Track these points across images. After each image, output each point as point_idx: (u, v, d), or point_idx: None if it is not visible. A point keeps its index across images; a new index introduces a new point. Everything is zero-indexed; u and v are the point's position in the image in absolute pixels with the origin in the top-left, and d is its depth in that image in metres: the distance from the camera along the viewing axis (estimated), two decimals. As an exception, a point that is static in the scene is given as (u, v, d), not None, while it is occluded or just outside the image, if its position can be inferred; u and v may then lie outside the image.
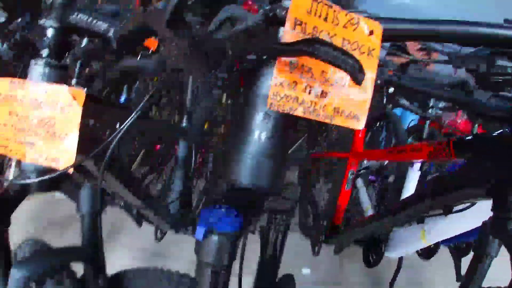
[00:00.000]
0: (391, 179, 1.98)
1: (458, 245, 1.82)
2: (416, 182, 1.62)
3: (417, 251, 1.79)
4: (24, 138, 0.55)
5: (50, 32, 0.55)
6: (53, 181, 0.61)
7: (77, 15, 0.56)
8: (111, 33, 0.55)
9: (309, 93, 0.38)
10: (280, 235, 0.65)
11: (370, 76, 0.39)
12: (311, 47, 0.30)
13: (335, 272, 2.13)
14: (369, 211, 1.85)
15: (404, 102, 1.26)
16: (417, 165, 1.41)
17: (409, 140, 1.84)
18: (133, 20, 0.56)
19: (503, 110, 0.57)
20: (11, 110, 0.55)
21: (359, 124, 0.40)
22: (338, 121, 0.39)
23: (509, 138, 0.57)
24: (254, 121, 0.41)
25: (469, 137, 0.70)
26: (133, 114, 0.56)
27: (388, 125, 1.93)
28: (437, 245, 1.69)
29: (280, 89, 0.37)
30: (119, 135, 0.56)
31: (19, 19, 0.64)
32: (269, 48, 0.35)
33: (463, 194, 0.69)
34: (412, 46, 1.62)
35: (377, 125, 2.06)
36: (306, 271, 2.06)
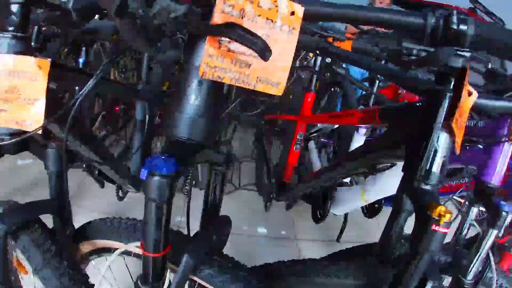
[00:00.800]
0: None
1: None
2: (363, 140, 1.75)
3: (362, 211, 1.94)
4: None
5: (15, 7, 0.58)
6: (24, 142, 0.67)
7: None
8: (69, 5, 0.58)
9: (235, 64, 0.45)
10: (218, 184, 0.75)
11: (290, 50, 0.46)
12: (229, 29, 0.37)
13: (288, 228, 2.29)
14: (316, 159, 1.98)
15: (341, 71, 1.34)
16: (363, 130, 1.53)
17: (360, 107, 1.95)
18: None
19: (421, 83, 0.64)
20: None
21: (278, 91, 0.47)
22: (260, 87, 0.47)
23: (419, 109, 0.66)
24: (190, 87, 0.48)
25: (391, 106, 0.80)
26: (94, 77, 0.60)
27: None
28: (380, 205, 1.85)
29: (210, 60, 0.43)
30: (81, 98, 0.61)
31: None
32: (199, 29, 0.41)
33: (383, 155, 0.79)
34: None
35: (333, 90, 2.16)
36: (261, 230, 2.20)
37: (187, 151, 0.54)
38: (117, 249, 0.78)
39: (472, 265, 0.84)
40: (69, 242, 0.85)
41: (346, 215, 2.03)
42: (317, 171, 1.40)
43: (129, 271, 0.92)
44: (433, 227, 0.54)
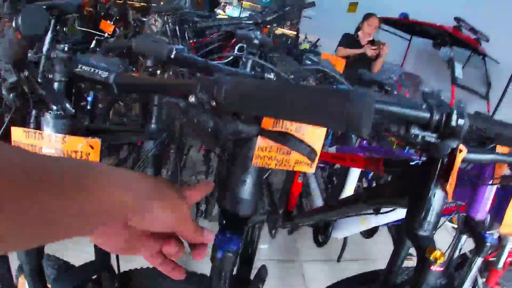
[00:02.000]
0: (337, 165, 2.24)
1: (394, 225, 2.13)
2: (358, 173, 1.88)
3: (360, 232, 2.07)
4: None
5: (58, 85, 0.65)
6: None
7: (81, 67, 0.67)
8: (111, 80, 0.66)
9: (279, 153, 0.57)
10: (255, 237, 0.86)
11: (317, 147, 0.58)
12: (283, 138, 0.49)
13: (290, 248, 2.40)
14: (317, 195, 2.10)
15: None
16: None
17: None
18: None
19: (421, 143, 0.78)
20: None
21: (312, 169, 0.60)
22: (297, 168, 0.59)
23: (419, 167, 0.79)
24: (245, 173, 0.59)
25: (395, 159, 0.94)
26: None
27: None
28: (377, 227, 1.98)
29: (261, 152, 0.56)
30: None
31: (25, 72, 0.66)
32: (257, 135, 0.53)
33: (387, 202, 0.92)
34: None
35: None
36: (264, 246, 2.31)
37: (241, 222, 0.65)
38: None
39: (462, 284, 0.97)
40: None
41: (345, 238, 2.15)
42: (323, 207, 1.50)
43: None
44: (432, 268, 0.68)
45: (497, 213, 1.11)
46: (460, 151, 0.67)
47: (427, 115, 0.59)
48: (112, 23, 3.33)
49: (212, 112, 0.43)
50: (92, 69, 0.68)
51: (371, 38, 3.79)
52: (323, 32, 4.25)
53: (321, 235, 2.02)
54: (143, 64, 0.98)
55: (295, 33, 6.64)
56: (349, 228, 1.76)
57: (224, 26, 2.41)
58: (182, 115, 0.44)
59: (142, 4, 5.24)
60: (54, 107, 0.64)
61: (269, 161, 0.57)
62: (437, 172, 0.70)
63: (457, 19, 4.04)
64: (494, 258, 1.25)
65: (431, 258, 0.66)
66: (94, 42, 3.06)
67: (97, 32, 3.20)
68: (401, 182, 0.86)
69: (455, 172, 0.68)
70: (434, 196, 0.71)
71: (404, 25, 5.34)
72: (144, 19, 4.10)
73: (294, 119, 0.44)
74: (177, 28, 2.99)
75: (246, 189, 0.58)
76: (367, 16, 3.86)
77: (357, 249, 2.44)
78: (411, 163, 0.84)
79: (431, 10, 5.27)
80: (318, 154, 0.58)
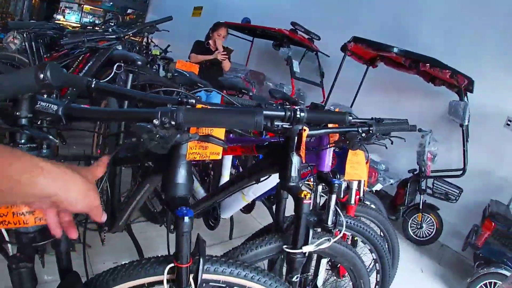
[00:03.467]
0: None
1: (267, 198, 2.59)
2: (230, 162, 2.28)
3: (241, 209, 2.45)
4: (19, 210, 0.72)
5: (24, 121, 0.78)
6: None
7: (39, 103, 0.84)
8: (59, 112, 0.85)
9: (200, 149, 0.88)
10: None
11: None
12: (208, 137, 0.81)
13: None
14: (199, 188, 2.37)
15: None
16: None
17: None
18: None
19: (281, 130, 1.14)
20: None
21: (219, 157, 0.92)
22: (212, 157, 0.91)
23: (282, 144, 1.18)
24: (180, 166, 0.86)
25: (264, 143, 1.34)
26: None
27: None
28: (253, 202, 2.39)
29: (190, 150, 0.86)
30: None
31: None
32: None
33: (265, 172, 1.31)
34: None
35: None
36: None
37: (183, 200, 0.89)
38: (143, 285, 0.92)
39: (328, 216, 1.42)
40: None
41: (231, 217, 2.52)
42: (211, 194, 1.76)
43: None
44: (304, 201, 1.07)
45: (340, 167, 1.62)
46: (304, 130, 1.08)
47: (283, 113, 0.98)
48: None
49: (169, 130, 0.71)
50: (47, 104, 0.84)
51: (221, 46, 4.14)
52: (169, 36, 4.48)
53: (211, 218, 2.34)
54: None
55: (143, 39, 6.69)
56: (233, 206, 2.12)
57: (87, 42, 2.50)
58: (147, 133, 0.71)
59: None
60: (22, 141, 0.78)
61: (195, 156, 0.88)
62: (294, 146, 1.10)
63: (293, 23, 4.83)
64: (346, 201, 1.79)
65: (302, 196, 1.06)
66: None
67: None
68: (271, 157, 1.25)
69: (303, 143, 1.09)
70: (294, 160, 1.12)
71: (247, 28, 5.94)
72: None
73: (223, 127, 0.75)
74: (33, 44, 2.94)
75: (182, 176, 0.87)
76: (216, 26, 4.21)
77: (242, 226, 2.85)
78: (276, 143, 1.24)
79: (270, 15, 6.05)
80: (220, 153, 0.91)
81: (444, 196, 3.53)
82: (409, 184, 3.61)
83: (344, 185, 1.78)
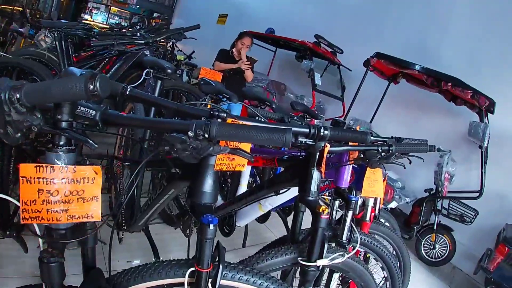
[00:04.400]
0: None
1: (282, 209, 2.62)
2: (249, 172, 2.31)
3: (256, 219, 2.48)
4: (53, 208, 0.76)
5: (65, 125, 0.79)
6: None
7: (79, 108, 0.88)
8: (97, 117, 0.89)
9: (227, 160, 0.93)
10: None
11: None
12: (237, 151, 0.85)
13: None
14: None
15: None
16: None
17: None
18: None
19: (304, 145, 1.18)
20: (40, 188, 0.75)
21: (244, 169, 0.96)
22: (237, 168, 0.96)
23: (303, 159, 1.22)
24: (208, 176, 0.91)
25: (285, 158, 1.38)
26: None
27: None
28: (269, 212, 2.42)
29: (219, 161, 0.90)
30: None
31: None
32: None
33: (284, 185, 1.34)
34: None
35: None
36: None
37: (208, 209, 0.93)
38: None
39: (343, 232, 1.44)
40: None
41: (246, 225, 2.55)
42: (229, 202, 1.79)
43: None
44: (322, 216, 1.11)
45: (358, 183, 1.65)
46: (326, 146, 1.12)
47: (307, 130, 1.02)
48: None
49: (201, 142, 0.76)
50: (86, 109, 0.89)
51: (245, 55, 4.12)
52: (193, 41, 4.60)
53: (226, 225, 2.38)
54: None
55: (168, 43, 6.79)
56: (250, 215, 2.15)
57: (117, 45, 2.59)
58: (181, 143, 0.76)
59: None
60: (61, 143, 0.79)
61: (223, 166, 0.92)
62: (316, 161, 1.14)
63: (316, 36, 4.87)
64: (361, 217, 1.81)
65: (320, 210, 1.09)
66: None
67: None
68: (292, 170, 1.29)
69: (325, 160, 1.13)
70: (314, 175, 1.15)
71: (270, 39, 6.00)
72: (21, 29, 3.91)
73: (253, 143, 0.80)
74: (63, 44, 3.04)
75: (209, 185, 0.91)
76: (241, 35, 4.23)
77: (256, 235, 2.88)
78: (299, 157, 1.28)
79: (294, 26, 6.09)
80: (246, 163, 0.95)
81: (459, 217, 3.48)
82: (424, 203, 3.56)
83: (360, 201, 1.80)
